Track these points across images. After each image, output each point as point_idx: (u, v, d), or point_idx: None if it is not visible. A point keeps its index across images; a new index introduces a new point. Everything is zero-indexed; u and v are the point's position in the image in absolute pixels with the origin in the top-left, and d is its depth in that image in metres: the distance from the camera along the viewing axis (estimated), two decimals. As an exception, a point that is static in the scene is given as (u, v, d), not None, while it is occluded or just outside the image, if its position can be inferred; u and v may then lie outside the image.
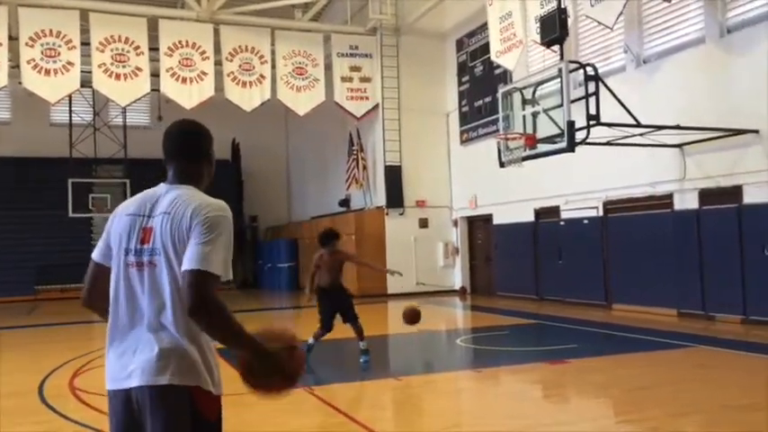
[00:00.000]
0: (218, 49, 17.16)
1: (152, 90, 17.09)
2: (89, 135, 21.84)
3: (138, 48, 16.33)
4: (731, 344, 8.80)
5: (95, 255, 2.38)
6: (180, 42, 16.71)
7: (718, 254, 10.71)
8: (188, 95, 16.66)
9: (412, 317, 8.61)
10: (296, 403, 6.35)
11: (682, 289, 11.38)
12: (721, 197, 10.72)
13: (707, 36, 11.08)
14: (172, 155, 2.39)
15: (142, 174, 22.76)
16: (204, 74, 16.78)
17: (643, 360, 8.00)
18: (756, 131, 10.06)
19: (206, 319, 2.09)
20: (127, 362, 2.22)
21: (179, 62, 16.62)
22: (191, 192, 2.31)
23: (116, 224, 2.34)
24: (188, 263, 2.11)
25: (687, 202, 11.36)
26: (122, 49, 16.24)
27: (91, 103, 21.68)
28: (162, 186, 2.36)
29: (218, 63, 17.20)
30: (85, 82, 16.68)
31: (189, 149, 2.41)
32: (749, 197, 10.26)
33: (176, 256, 2.17)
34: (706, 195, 11.03)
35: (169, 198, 2.27)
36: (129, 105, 17.45)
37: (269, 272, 24.25)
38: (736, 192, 10.47)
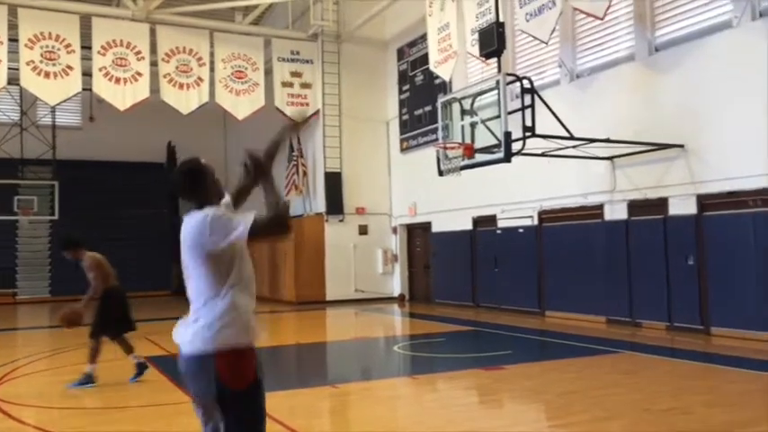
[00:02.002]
0: (154, 50, 16.78)
1: (84, 89, 16.54)
2: (15, 135, 20.99)
3: (69, 45, 15.77)
4: (656, 350, 9.16)
5: None
6: (114, 41, 16.25)
7: (645, 263, 11.14)
8: (122, 96, 16.22)
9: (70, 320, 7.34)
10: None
11: (611, 297, 11.77)
12: (648, 209, 11.17)
13: (636, 54, 11.55)
14: (179, 193, 3.02)
15: (72, 176, 22.15)
16: (139, 74, 16.36)
17: (574, 366, 8.23)
18: (681, 146, 10.54)
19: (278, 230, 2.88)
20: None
21: (113, 62, 16.15)
22: (196, 214, 2.90)
23: None
24: (244, 221, 2.77)
25: (617, 212, 11.78)
26: (52, 47, 15.65)
27: (18, 101, 20.82)
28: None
29: (153, 64, 16.81)
30: (13, 79, 15.99)
31: (190, 187, 2.99)
32: (674, 209, 10.72)
33: (187, 256, 2.89)
34: (634, 207, 11.46)
35: (186, 220, 2.94)
36: (58, 105, 16.83)
37: (205, 278, 23.74)
38: (662, 204, 10.93)
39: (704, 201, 10.27)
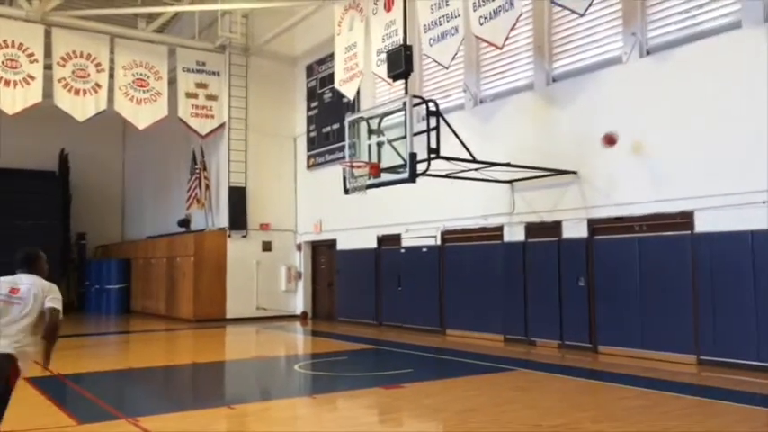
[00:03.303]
0: (48, 53, 15.92)
1: (-32, 91, 15.44)
2: None
3: (-47, 43, 14.72)
4: (548, 367, 9.52)
5: None
6: (5, 42, 15.32)
7: (540, 284, 11.59)
8: (11, 100, 15.28)
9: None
10: (118, 436, 5.91)
11: (508, 316, 12.16)
12: (544, 231, 11.65)
13: (535, 83, 12.10)
14: (19, 266, 4.69)
15: (-48, 183, 20.49)
16: (31, 78, 15.46)
17: (472, 383, 8.42)
18: (575, 173, 11.10)
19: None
20: None
21: (2, 63, 15.20)
22: (38, 279, 4.67)
23: None
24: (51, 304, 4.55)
25: (515, 234, 12.22)
26: (-67, 43, 14.55)
27: None
28: (20, 274, 4.66)
29: (48, 67, 15.95)
30: None
31: (29, 265, 4.72)
32: (567, 232, 11.25)
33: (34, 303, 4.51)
34: (531, 229, 11.93)
35: (29, 279, 4.63)
36: (-62, 105, 15.60)
37: (96, 294, 22.60)
38: (556, 227, 11.44)
39: (595, 225, 10.84)
